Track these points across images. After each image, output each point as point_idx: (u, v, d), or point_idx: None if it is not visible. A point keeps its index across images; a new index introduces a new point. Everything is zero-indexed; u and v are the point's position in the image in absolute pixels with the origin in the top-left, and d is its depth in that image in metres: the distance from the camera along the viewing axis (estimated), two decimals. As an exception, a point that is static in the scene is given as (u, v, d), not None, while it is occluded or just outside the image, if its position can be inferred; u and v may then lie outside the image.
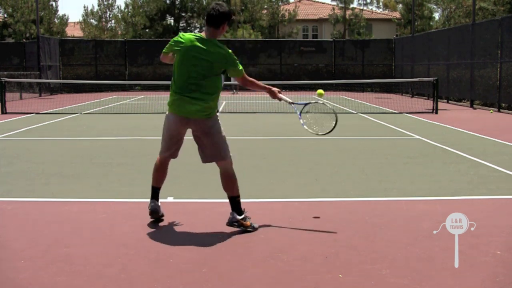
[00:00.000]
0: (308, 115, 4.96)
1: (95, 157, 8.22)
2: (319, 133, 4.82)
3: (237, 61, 4.49)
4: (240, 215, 4.50)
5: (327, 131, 4.75)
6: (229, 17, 4.46)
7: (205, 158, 4.61)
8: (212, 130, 4.48)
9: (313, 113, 4.96)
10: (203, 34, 4.45)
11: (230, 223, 4.51)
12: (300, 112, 4.86)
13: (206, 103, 4.40)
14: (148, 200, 5.54)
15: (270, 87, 4.72)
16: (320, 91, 5.33)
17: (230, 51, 4.46)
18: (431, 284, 3.41)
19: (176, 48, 4.45)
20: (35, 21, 31.33)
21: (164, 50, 4.58)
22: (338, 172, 7.08)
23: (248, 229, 4.47)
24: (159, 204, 4.71)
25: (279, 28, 38.31)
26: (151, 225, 4.66)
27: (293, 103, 4.74)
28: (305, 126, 4.87)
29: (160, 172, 4.72)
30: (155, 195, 4.70)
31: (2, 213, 5.11)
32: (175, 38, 4.49)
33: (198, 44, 4.38)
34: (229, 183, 4.57)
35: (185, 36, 4.45)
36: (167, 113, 4.59)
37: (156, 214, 4.68)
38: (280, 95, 4.72)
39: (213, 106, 4.48)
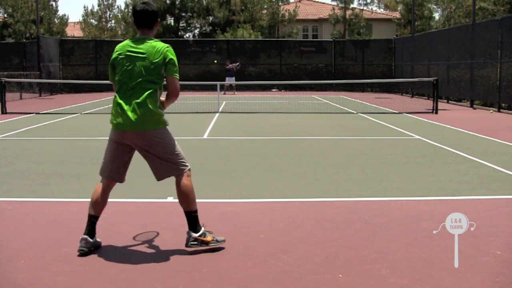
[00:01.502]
0: None
1: (95, 157, 8.21)
2: None
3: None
4: (197, 232, 3.98)
5: None
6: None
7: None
8: None
9: None
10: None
11: (188, 243, 3.96)
12: None
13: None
14: (149, 200, 5.55)
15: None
16: None
17: None
18: (431, 284, 3.41)
19: None
20: (35, 21, 31.31)
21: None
22: (338, 172, 7.08)
23: (211, 245, 3.98)
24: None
25: (279, 28, 38.30)
26: (151, 225, 4.65)
27: None
28: None
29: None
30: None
31: (2, 213, 5.11)
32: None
33: None
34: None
35: None
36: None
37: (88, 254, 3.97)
38: None
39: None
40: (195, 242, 3.96)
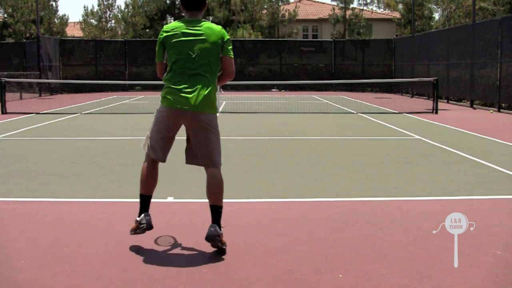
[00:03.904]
0: None
1: (95, 157, 8.22)
2: None
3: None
4: (220, 229, 3.93)
5: None
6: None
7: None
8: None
9: None
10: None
11: (212, 237, 3.84)
12: None
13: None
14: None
15: None
16: None
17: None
18: (431, 284, 3.41)
19: None
20: (35, 21, 31.34)
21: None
22: (338, 172, 7.08)
23: (223, 247, 3.91)
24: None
25: (279, 28, 38.30)
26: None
27: None
28: None
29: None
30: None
31: (2, 213, 5.11)
32: None
33: None
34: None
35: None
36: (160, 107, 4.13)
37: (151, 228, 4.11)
38: None
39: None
40: (218, 238, 3.86)
